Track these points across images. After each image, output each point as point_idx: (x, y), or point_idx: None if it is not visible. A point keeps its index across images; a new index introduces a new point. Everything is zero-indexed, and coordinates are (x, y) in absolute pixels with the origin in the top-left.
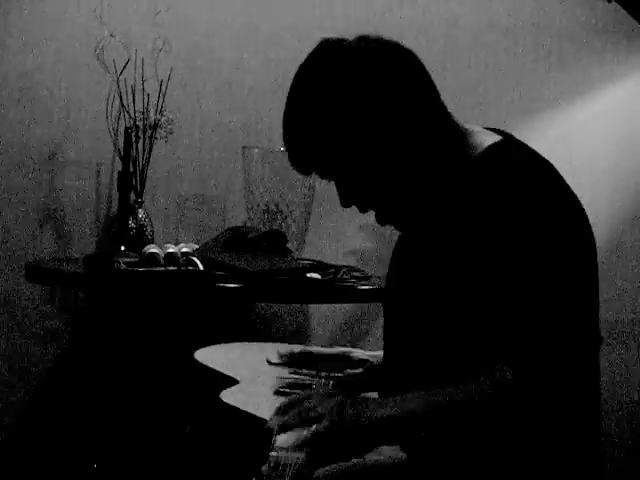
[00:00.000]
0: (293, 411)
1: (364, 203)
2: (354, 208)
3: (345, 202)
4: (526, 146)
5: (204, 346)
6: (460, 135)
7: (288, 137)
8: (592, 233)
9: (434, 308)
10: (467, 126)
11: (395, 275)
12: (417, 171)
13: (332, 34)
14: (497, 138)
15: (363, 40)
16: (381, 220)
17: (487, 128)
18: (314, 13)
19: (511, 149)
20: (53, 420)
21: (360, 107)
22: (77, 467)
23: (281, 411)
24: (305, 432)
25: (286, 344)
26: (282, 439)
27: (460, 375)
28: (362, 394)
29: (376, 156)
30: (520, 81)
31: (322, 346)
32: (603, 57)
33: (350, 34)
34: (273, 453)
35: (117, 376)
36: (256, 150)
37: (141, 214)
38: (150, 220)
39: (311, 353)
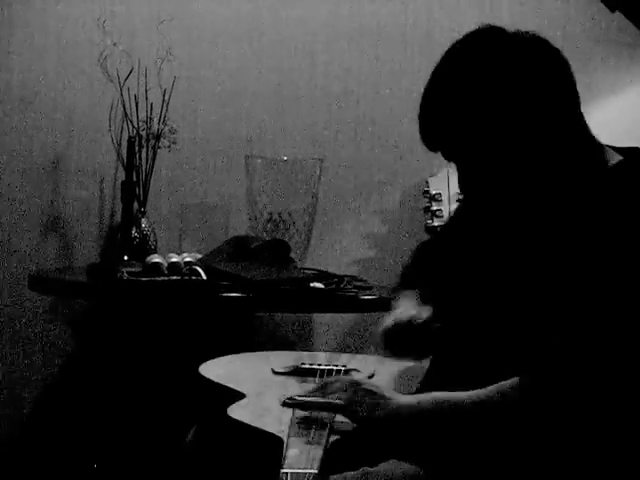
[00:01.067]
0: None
1: (480, 193)
2: (356, 220)
3: (464, 188)
4: None
5: (207, 356)
6: (594, 150)
7: (427, 109)
8: None
9: (490, 296)
10: (606, 145)
11: (449, 250)
12: (543, 172)
13: (337, 43)
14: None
15: (523, 34)
16: (486, 209)
17: (623, 148)
18: (318, 23)
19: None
20: (55, 429)
21: (507, 98)
22: (78, 470)
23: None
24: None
25: (290, 352)
26: (293, 454)
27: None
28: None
29: (508, 148)
30: None
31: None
32: (606, 66)
33: (355, 42)
34: (284, 469)
35: (120, 385)
36: (259, 160)
37: (144, 223)
38: (153, 229)
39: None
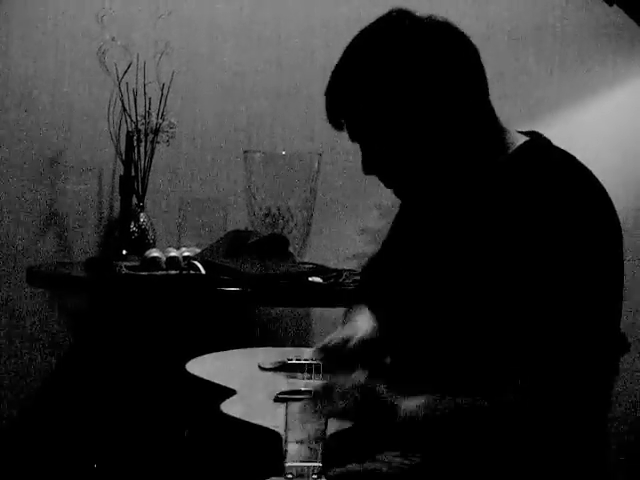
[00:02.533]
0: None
1: (385, 175)
2: (354, 214)
3: (367, 169)
4: (556, 147)
5: (205, 350)
6: (498, 132)
7: (333, 86)
8: (621, 236)
9: (438, 305)
10: (505, 126)
11: (397, 260)
12: (447, 156)
13: (335, 37)
14: (526, 139)
15: (432, 19)
16: (398, 195)
17: (523, 132)
18: (316, 18)
19: (541, 149)
20: (54, 423)
21: (413, 78)
22: (77, 468)
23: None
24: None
25: (275, 348)
26: (294, 448)
27: (471, 380)
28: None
29: (411, 130)
30: (522, 84)
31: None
32: (605, 60)
33: (352, 38)
34: (288, 463)
35: (119, 380)
36: (258, 154)
37: (143, 218)
38: (152, 224)
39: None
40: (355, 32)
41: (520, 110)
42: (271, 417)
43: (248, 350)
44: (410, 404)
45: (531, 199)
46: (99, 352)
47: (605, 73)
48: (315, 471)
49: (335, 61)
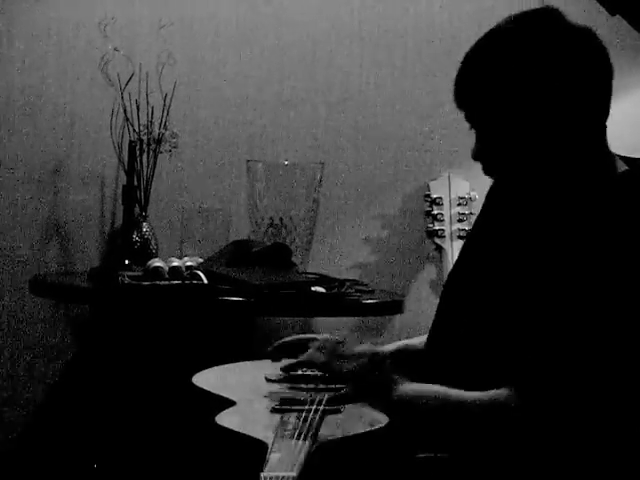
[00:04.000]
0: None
1: (490, 164)
2: (357, 224)
3: (475, 155)
4: None
5: (207, 360)
6: (605, 156)
7: (464, 68)
8: None
9: (489, 303)
10: (613, 152)
11: (465, 258)
12: (551, 166)
13: (337, 48)
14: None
15: (581, 26)
16: (490, 174)
17: (629, 158)
18: (319, 28)
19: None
20: (56, 430)
21: (544, 79)
22: (78, 470)
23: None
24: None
25: (285, 360)
26: (275, 458)
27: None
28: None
29: (526, 130)
30: None
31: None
32: None
33: (355, 47)
34: (264, 473)
35: (121, 389)
36: (260, 164)
37: (145, 228)
38: (154, 234)
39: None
40: (357, 42)
41: None
42: (264, 428)
43: (257, 362)
44: (408, 387)
45: (621, 229)
46: (102, 361)
47: None
48: None
49: (337, 69)
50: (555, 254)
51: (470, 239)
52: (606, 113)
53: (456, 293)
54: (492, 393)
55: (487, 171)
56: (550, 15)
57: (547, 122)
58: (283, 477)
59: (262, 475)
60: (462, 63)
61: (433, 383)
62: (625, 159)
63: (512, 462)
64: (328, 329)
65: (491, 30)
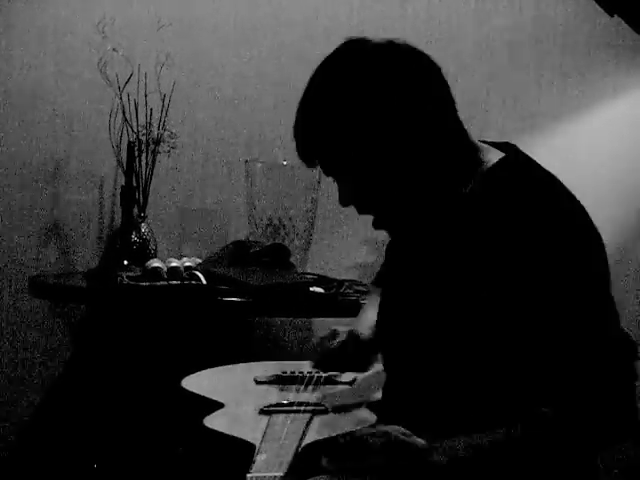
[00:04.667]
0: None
1: (363, 204)
2: (356, 224)
3: (344, 201)
4: (531, 162)
5: (206, 360)
6: (471, 151)
7: (299, 125)
8: (603, 246)
9: (428, 337)
10: (479, 143)
11: (389, 284)
12: (422, 181)
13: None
14: (502, 155)
15: (389, 44)
16: (377, 224)
17: (496, 143)
18: (317, 29)
19: (514, 166)
20: (55, 430)
21: (375, 108)
22: (78, 470)
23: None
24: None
25: (275, 362)
26: (261, 459)
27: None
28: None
29: (382, 159)
30: (522, 95)
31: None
32: (605, 71)
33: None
34: (250, 474)
35: (119, 389)
36: (259, 164)
37: (144, 228)
38: (153, 234)
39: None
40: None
41: (520, 121)
42: (252, 429)
43: (247, 364)
44: (441, 448)
45: (507, 218)
46: (100, 362)
47: (606, 84)
48: None
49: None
50: (462, 265)
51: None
52: (450, 109)
53: (397, 326)
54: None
55: (361, 211)
56: (357, 43)
57: (392, 141)
58: (269, 477)
59: (248, 476)
60: (297, 117)
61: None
62: (496, 145)
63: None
64: (327, 329)
65: (311, 78)
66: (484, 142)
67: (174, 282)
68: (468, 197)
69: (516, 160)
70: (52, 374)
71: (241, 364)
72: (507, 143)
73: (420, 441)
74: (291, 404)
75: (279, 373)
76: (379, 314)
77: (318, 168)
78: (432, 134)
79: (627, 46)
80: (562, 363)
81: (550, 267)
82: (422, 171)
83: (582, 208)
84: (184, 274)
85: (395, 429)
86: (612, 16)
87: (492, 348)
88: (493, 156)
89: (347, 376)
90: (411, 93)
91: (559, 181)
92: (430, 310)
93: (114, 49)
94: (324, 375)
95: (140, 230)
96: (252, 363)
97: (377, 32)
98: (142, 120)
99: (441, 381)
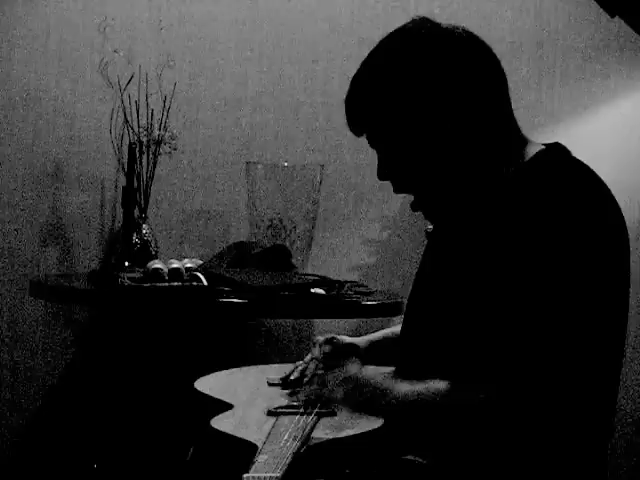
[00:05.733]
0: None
1: (401, 182)
2: (357, 225)
3: (382, 175)
4: (572, 160)
5: (207, 361)
6: (517, 144)
7: (352, 94)
8: (628, 250)
9: (449, 305)
10: (530, 140)
11: (422, 266)
12: (463, 166)
13: (337, 49)
14: (541, 148)
15: (455, 28)
16: (414, 205)
17: (548, 144)
18: (318, 30)
19: (550, 160)
20: (56, 431)
21: (429, 89)
22: (78, 470)
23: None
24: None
25: (290, 364)
26: (261, 459)
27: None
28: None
29: (428, 140)
30: (523, 96)
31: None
32: (606, 73)
33: (355, 48)
34: (247, 474)
35: (121, 390)
36: (260, 166)
37: (145, 230)
38: (154, 236)
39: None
40: (356, 43)
41: (522, 122)
42: (257, 430)
43: (261, 367)
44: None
45: (535, 208)
46: (102, 363)
47: (607, 85)
48: None
49: (337, 71)
50: (487, 254)
51: (424, 256)
52: (505, 102)
53: (420, 309)
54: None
55: (398, 189)
56: (426, 23)
57: (443, 125)
58: (265, 477)
59: (244, 476)
60: (351, 86)
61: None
62: (545, 144)
63: (494, 462)
64: (328, 331)
65: (372, 50)
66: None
67: (175, 283)
68: (504, 185)
69: (554, 155)
70: (53, 375)
71: (255, 366)
72: (557, 143)
73: (377, 381)
74: (299, 406)
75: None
76: (413, 285)
77: (318, 170)
78: (481, 123)
79: (628, 47)
80: (510, 353)
81: (551, 266)
82: (465, 157)
83: (616, 216)
84: (185, 275)
85: (355, 368)
86: (613, 17)
87: (480, 320)
88: (534, 150)
89: None
90: (467, 80)
91: (600, 186)
92: (450, 283)
93: (115, 50)
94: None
95: (141, 231)
96: (266, 365)
97: (377, 32)
98: (143, 121)
99: (442, 343)
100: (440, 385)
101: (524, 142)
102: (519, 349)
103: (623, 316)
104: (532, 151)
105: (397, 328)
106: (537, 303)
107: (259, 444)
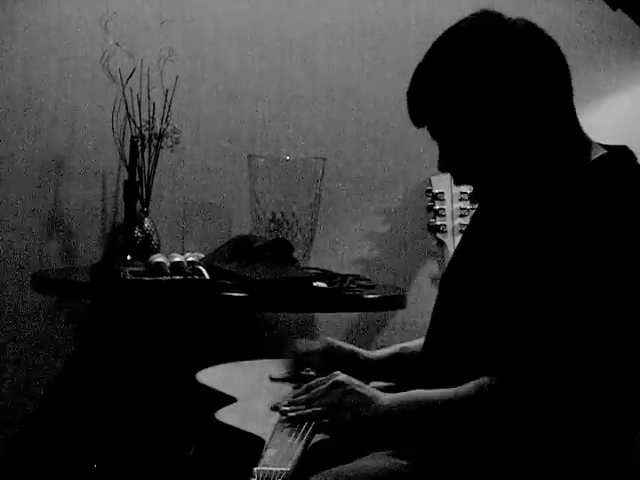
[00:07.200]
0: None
1: (461, 174)
2: (359, 219)
3: (443, 166)
4: (635, 166)
5: (209, 355)
6: (579, 144)
7: (415, 86)
8: None
9: (482, 296)
10: (594, 142)
11: (460, 253)
12: (523, 162)
13: (338, 42)
14: (604, 152)
15: (521, 22)
16: (473, 197)
17: (613, 145)
18: (319, 23)
19: (615, 167)
20: (56, 428)
21: (493, 84)
22: (78, 470)
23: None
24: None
25: (292, 359)
26: (270, 453)
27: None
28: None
29: (489, 133)
30: None
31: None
32: (609, 65)
33: (356, 41)
34: (257, 468)
35: (123, 385)
36: (262, 159)
37: (147, 223)
38: (156, 229)
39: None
40: (358, 37)
41: None
42: (263, 424)
43: (263, 361)
44: (385, 398)
45: (590, 212)
46: (104, 357)
47: (609, 78)
48: (282, 476)
49: (339, 64)
50: (537, 247)
51: (464, 240)
52: (568, 96)
53: (453, 291)
54: (471, 385)
55: (458, 180)
56: (489, 16)
57: (507, 119)
58: (276, 472)
59: (255, 470)
60: (413, 78)
61: (430, 383)
62: (608, 147)
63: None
64: (330, 324)
65: (436, 41)
66: (603, 145)
67: (177, 277)
68: (565, 184)
69: (617, 159)
70: (55, 369)
71: (257, 360)
72: (624, 147)
73: (370, 390)
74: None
75: (293, 371)
76: (448, 267)
77: (320, 164)
78: (543, 117)
79: (630, 41)
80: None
81: (590, 267)
82: (526, 150)
83: None
84: (187, 269)
85: (346, 378)
86: (615, 10)
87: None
88: (598, 152)
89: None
90: (531, 76)
91: None
92: (492, 269)
93: (117, 44)
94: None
95: (143, 225)
96: (268, 360)
97: (378, 28)
98: (145, 115)
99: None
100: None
101: (587, 141)
102: (533, 344)
103: None
104: (596, 153)
105: (407, 344)
106: (566, 301)
107: (266, 438)
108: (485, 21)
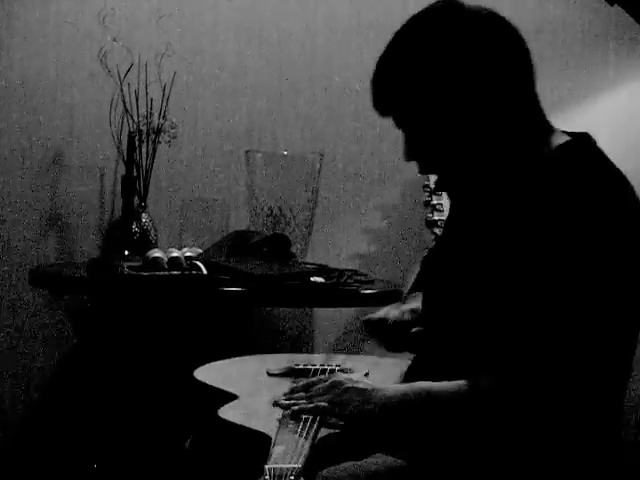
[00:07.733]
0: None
1: (426, 162)
2: (357, 214)
3: (408, 155)
4: (598, 153)
5: (207, 351)
6: (541, 130)
7: (378, 74)
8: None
9: (463, 291)
10: (556, 128)
11: (439, 248)
12: (487, 147)
13: (336, 37)
14: (568, 138)
15: (481, 10)
16: (439, 185)
17: (575, 132)
18: (317, 18)
19: (578, 153)
20: (55, 423)
21: (454, 71)
22: (77, 468)
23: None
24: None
25: (287, 354)
26: (278, 450)
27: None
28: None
29: (452, 121)
30: None
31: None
32: (606, 61)
33: (354, 36)
34: (268, 465)
35: (121, 380)
36: (259, 154)
37: (145, 218)
38: (154, 224)
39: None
40: (356, 31)
41: None
42: (267, 421)
43: (258, 356)
44: (386, 390)
45: (557, 198)
46: (101, 352)
47: (607, 74)
48: (293, 473)
49: (336, 59)
50: (509, 237)
51: (444, 233)
52: (530, 85)
53: (437, 286)
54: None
55: (423, 169)
56: (451, 5)
57: (468, 107)
58: (288, 469)
59: (266, 467)
60: (376, 68)
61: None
62: (571, 134)
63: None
64: (327, 319)
65: (397, 31)
66: (565, 132)
67: (175, 272)
68: (529, 171)
69: (580, 146)
70: (53, 365)
71: (253, 356)
72: (585, 133)
73: (370, 385)
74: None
75: (291, 366)
76: (430, 264)
77: (318, 159)
78: (506, 104)
79: (627, 36)
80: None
81: (567, 255)
82: (489, 138)
83: (635, 216)
84: (185, 264)
85: (345, 378)
86: (612, 5)
87: (514, 309)
88: (560, 139)
89: (360, 368)
90: (491, 64)
91: (623, 181)
92: (469, 260)
93: (114, 39)
94: (336, 368)
95: (141, 220)
96: (264, 355)
97: (377, 24)
98: (142, 110)
99: (462, 325)
100: (426, 384)
101: (549, 129)
102: (524, 337)
103: (637, 309)
104: (558, 140)
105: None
106: (549, 291)
107: (272, 435)
108: (447, 10)
